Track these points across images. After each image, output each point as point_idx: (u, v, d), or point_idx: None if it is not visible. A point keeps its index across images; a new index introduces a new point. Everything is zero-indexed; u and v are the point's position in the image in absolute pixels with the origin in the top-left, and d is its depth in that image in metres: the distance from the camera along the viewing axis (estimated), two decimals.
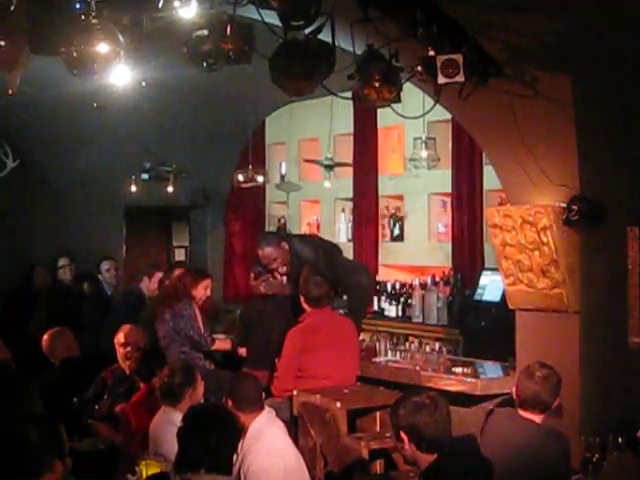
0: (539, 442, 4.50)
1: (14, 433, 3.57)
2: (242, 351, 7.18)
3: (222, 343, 7.43)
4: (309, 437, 6.07)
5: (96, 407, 6.37)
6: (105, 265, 9.79)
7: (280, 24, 4.76)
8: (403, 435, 3.85)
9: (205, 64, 4.98)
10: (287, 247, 7.21)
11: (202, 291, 7.25)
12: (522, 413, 4.62)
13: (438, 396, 3.97)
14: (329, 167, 9.70)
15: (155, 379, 5.53)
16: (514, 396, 4.70)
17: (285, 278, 7.29)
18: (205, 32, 4.85)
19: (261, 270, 7.33)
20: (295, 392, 6.25)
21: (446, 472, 3.75)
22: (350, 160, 10.14)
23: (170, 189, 10.61)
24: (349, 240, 10.27)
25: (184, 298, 7.08)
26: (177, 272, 7.89)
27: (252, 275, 7.45)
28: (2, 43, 4.22)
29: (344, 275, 7.34)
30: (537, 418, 4.61)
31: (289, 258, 7.19)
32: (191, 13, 4.69)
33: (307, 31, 4.85)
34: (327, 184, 9.95)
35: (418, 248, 9.53)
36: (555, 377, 4.65)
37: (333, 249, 7.64)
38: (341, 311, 7.26)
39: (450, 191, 9.08)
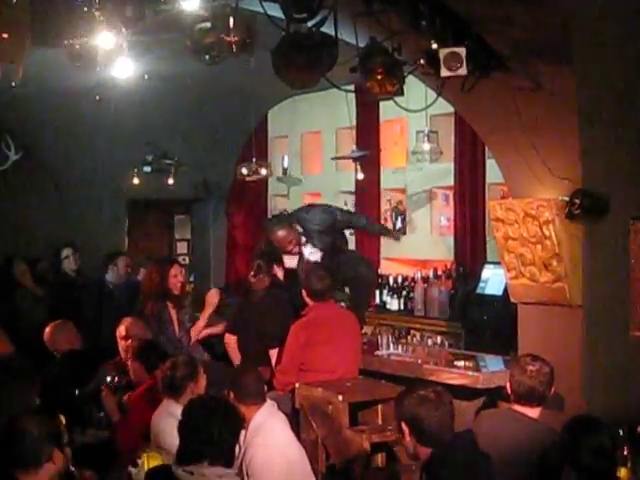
0: (536, 438, 4.47)
1: (12, 425, 3.57)
2: (229, 338, 7.18)
3: (213, 328, 7.39)
4: (311, 430, 6.08)
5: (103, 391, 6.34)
6: (65, 252, 9.80)
7: (283, 16, 4.76)
8: (404, 426, 3.85)
9: (208, 57, 4.98)
10: (298, 227, 7.30)
11: (173, 280, 7.06)
12: (518, 408, 4.59)
13: (444, 392, 3.96)
14: (358, 159, 9.67)
15: (157, 372, 5.53)
16: (508, 391, 4.68)
17: (297, 258, 7.35)
18: (208, 25, 4.85)
19: (261, 265, 7.32)
20: (297, 385, 6.26)
21: (444, 466, 3.74)
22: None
23: (172, 182, 10.61)
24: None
25: (159, 297, 6.98)
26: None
27: (252, 273, 7.40)
28: (5, 35, 4.21)
29: (345, 266, 7.37)
30: (534, 411, 4.59)
31: (300, 238, 7.28)
32: (194, 5, 4.70)
33: (310, 24, 4.85)
34: (360, 176, 9.89)
35: (420, 241, 9.53)
36: (547, 368, 4.63)
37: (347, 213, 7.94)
38: (343, 304, 7.28)
39: (452, 184, 9.07)
